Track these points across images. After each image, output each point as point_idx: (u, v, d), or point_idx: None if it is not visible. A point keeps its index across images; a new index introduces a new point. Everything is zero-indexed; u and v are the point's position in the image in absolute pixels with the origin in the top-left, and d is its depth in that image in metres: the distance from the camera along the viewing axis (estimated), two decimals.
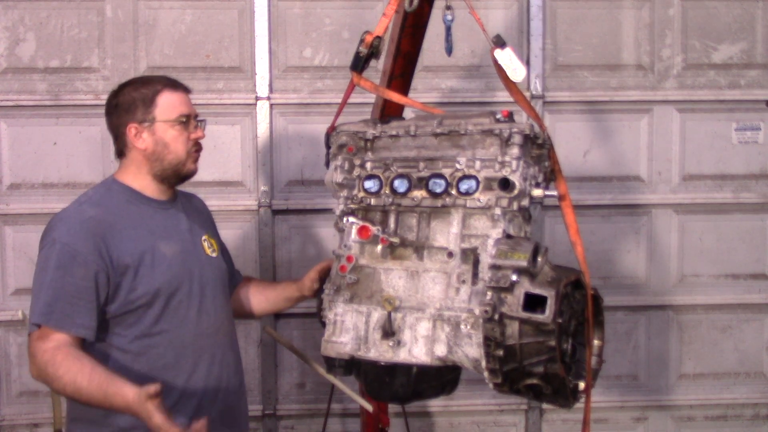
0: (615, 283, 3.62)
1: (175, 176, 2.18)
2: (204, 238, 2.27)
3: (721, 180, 3.64)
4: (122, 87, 2.19)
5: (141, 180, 2.17)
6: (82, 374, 1.90)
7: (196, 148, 2.20)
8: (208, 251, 2.26)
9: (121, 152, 2.19)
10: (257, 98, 3.47)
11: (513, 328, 1.79)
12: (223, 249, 2.41)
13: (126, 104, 2.14)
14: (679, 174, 3.63)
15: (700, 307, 3.69)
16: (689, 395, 3.72)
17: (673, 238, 3.65)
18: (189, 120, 2.16)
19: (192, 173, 2.20)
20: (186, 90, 2.21)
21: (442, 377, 1.97)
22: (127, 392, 1.85)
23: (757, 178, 3.65)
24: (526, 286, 1.79)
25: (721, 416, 3.75)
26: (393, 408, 2.98)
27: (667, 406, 3.72)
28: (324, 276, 2.38)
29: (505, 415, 3.69)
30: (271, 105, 3.48)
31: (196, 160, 2.20)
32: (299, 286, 2.39)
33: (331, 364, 1.99)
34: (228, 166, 3.50)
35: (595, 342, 1.99)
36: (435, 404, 3.63)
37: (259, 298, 2.48)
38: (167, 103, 2.13)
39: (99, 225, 2.04)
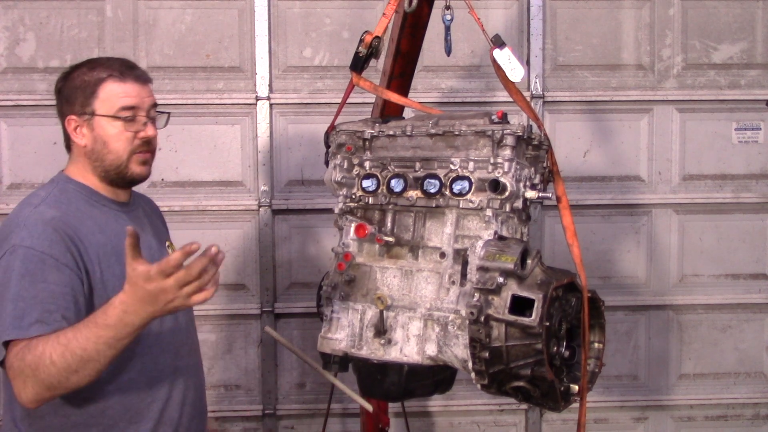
0: (615, 283, 3.62)
1: (120, 179, 1.89)
2: (167, 243, 2.06)
3: (721, 180, 3.64)
4: (73, 69, 1.90)
5: (91, 178, 1.89)
6: (63, 335, 1.58)
7: (145, 148, 1.89)
8: None
9: (68, 145, 1.95)
10: (257, 98, 3.47)
11: (499, 330, 1.77)
12: None
13: (68, 92, 1.87)
14: (679, 174, 3.62)
15: (700, 307, 3.69)
16: (689, 395, 3.71)
17: (673, 238, 3.65)
18: (135, 115, 1.85)
19: (139, 177, 1.91)
20: (139, 79, 1.88)
21: (434, 376, 1.97)
22: (111, 302, 1.55)
23: (757, 178, 3.65)
24: (513, 289, 1.78)
25: (721, 416, 3.74)
26: (393, 408, 2.98)
27: (667, 406, 3.72)
28: None
29: (505, 415, 3.69)
30: (271, 105, 3.48)
31: (145, 162, 1.89)
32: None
33: (327, 360, 2.00)
34: (228, 166, 3.50)
35: (596, 345, 1.98)
36: (435, 404, 3.63)
37: None
38: (109, 95, 1.83)
39: (66, 226, 1.75)
